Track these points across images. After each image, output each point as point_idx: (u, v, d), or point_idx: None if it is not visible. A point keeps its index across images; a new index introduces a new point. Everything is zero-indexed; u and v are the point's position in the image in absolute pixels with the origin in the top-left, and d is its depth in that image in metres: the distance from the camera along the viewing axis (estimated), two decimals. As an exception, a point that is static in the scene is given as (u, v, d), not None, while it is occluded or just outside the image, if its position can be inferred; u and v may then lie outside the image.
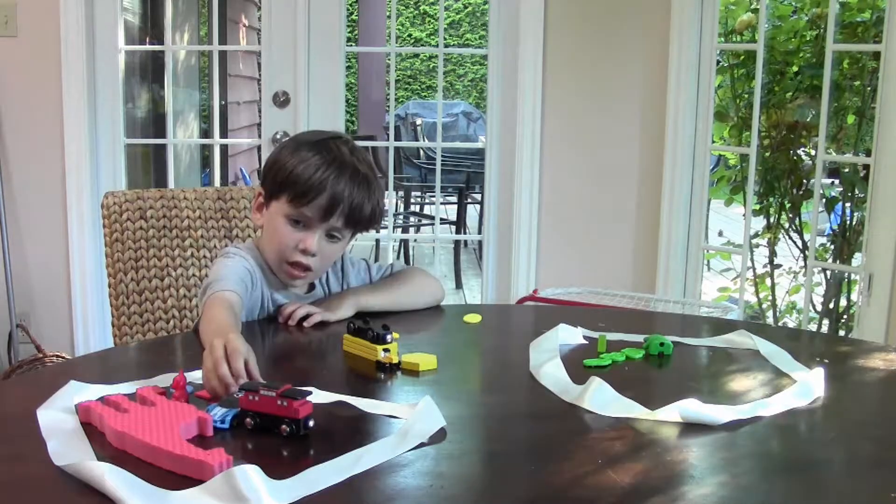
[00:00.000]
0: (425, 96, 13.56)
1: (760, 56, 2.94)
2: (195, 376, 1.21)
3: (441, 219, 4.41)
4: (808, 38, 3.42)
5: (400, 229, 5.71)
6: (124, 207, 1.85)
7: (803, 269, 3.37)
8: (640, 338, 1.47)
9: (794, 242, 3.52)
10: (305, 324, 1.50)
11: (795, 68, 3.45)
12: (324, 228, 1.51)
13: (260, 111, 3.45)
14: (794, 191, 3.46)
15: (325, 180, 1.48)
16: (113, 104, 3.20)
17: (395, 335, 1.34)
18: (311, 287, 1.65)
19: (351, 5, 10.24)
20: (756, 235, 3.57)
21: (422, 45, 13.91)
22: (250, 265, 1.54)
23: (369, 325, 1.35)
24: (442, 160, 3.46)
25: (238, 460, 0.93)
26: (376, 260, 1.76)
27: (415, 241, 6.28)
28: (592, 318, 1.59)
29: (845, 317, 3.42)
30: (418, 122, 8.83)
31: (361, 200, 1.51)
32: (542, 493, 0.92)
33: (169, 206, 1.91)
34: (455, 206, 6.07)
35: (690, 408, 1.10)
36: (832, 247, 3.44)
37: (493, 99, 3.21)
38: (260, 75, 3.42)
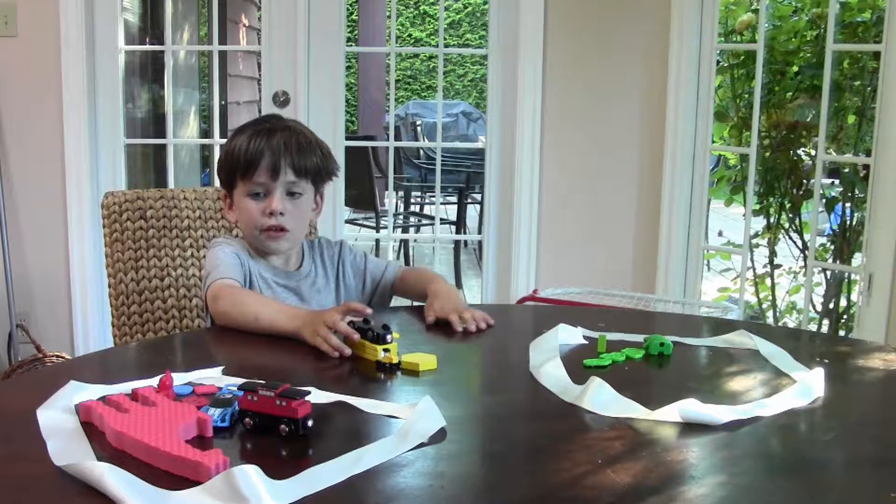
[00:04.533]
0: (425, 96, 13.57)
1: (760, 56, 2.94)
2: (191, 376, 1.22)
3: (441, 219, 4.41)
4: (808, 38, 3.42)
5: (400, 229, 5.71)
6: (124, 207, 1.85)
7: (803, 269, 3.37)
8: (640, 338, 1.47)
9: (794, 242, 3.52)
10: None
11: (795, 68, 3.45)
12: (281, 187, 1.61)
13: (260, 111, 3.45)
14: (794, 191, 3.46)
15: (259, 144, 1.60)
16: (113, 104, 3.20)
17: (396, 335, 1.34)
18: (300, 264, 1.71)
19: (351, 5, 10.24)
20: (756, 235, 3.57)
21: (422, 45, 13.91)
22: (235, 248, 1.63)
23: (370, 325, 1.35)
24: (442, 160, 3.46)
25: (237, 461, 0.93)
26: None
27: (415, 241, 6.27)
28: (592, 318, 1.59)
29: (845, 317, 3.42)
30: (418, 122, 8.83)
31: (302, 149, 1.62)
32: (542, 493, 0.92)
33: (169, 206, 1.91)
34: (455, 206, 6.07)
35: (690, 408, 1.10)
36: (832, 247, 3.44)
37: (493, 99, 3.21)
38: (260, 75, 3.42)
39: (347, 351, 1.35)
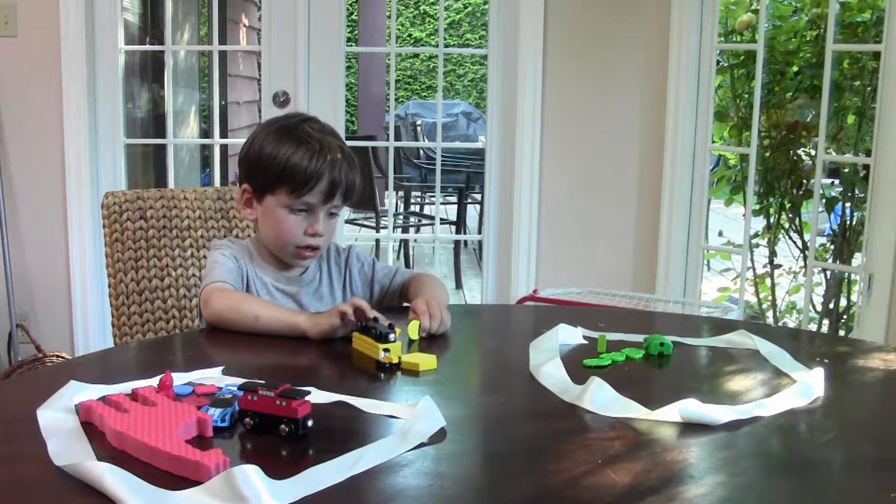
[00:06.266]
0: (425, 96, 13.57)
1: (760, 56, 2.94)
2: (191, 376, 1.22)
3: (441, 219, 4.41)
4: (808, 38, 3.42)
5: (400, 229, 5.71)
6: (124, 207, 1.85)
7: (803, 269, 3.37)
8: (640, 338, 1.47)
9: (794, 242, 3.52)
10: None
11: (795, 68, 3.45)
12: (327, 209, 1.59)
13: (260, 111, 3.46)
14: (794, 191, 3.46)
15: (321, 167, 1.55)
16: (113, 104, 3.20)
17: (399, 331, 1.35)
18: (304, 269, 1.68)
19: (351, 5, 10.24)
20: (756, 235, 3.57)
21: (422, 45, 13.92)
22: (234, 251, 1.61)
23: (377, 322, 1.36)
24: (442, 160, 3.46)
25: (237, 461, 0.93)
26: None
27: (415, 241, 6.28)
28: (592, 318, 1.59)
29: (845, 317, 3.42)
30: (418, 122, 8.83)
31: (354, 177, 1.60)
32: (542, 493, 0.92)
33: (169, 206, 1.91)
34: (455, 206, 6.08)
35: (690, 408, 1.10)
36: (832, 247, 3.44)
37: (493, 99, 3.21)
38: (260, 75, 3.42)
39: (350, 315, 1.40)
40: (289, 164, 1.54)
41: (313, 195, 1.55)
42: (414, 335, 1.45)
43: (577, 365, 1.33)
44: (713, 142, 3.12)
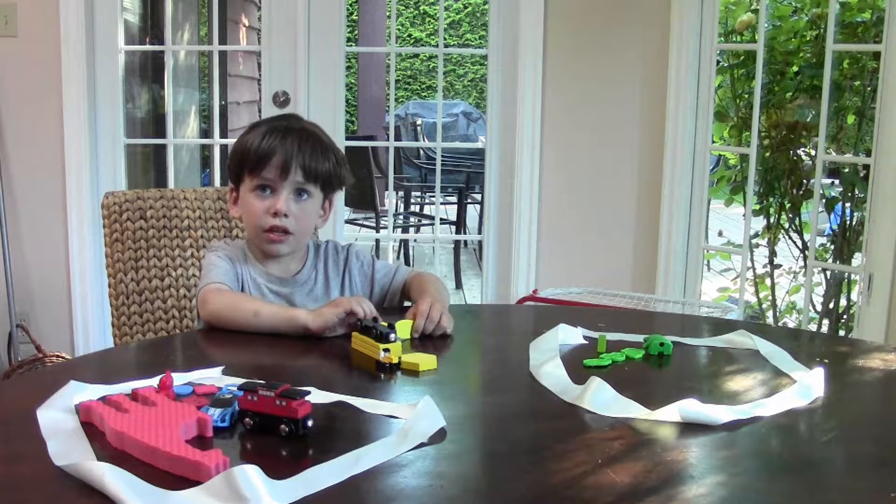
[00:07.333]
0: (425, 96, 13.58)
1: (760, 56, 2.94)
2: (191, 376, 1.22)
3: (441, 219, 4.41)
4: (808, 38, 3.42)
5: (400, 229, 5.71)
6: (124, 207, 1.85)
7: (803, 269, 3.37)
8: (640, 338, 1.47)
9: (794, 242, 3.52)
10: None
11: (795, 68, 3.45)
12: (289, 188, 1.58)
13: (260, 111, 3.45)
14: (794, 191, 3.46)
15: (273, 142, 1.57)
16: (113, 104, 3.20)
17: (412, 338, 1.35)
18: (300, 269, 1.67)
19: (351, 5, 10.25)
20: (756, 235, 3.57)
21: (422, 45, 13.92)
22: (229, 252, 1.62)
23: (377, 322, 1.36)
24: (442, 160, 3.46)
25: (237, 461, 0.93)
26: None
27: (415, 241, 6.28)
28: (592, 318, 1.60)
29: (845, 317, 3.42)
30: (418, 122, 8.83)
31: (315, 153, 1.59)
32: (542, 493, 0.92)
33: (169, 206, 1.91)
34: (455, 206, 6.08)
35: (690, 408, 1.10)
36: (832, 247, 3.44)
37: (493, 99, 3.21)
38: (260, 75, 3.42)
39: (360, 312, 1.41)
40: (246, 148, 1.59)
41: (269, 170, 1.56)
42: (405, 334, 1.45)
43: (577, 365, 1.33)
44: (713, 142, 3.12)
